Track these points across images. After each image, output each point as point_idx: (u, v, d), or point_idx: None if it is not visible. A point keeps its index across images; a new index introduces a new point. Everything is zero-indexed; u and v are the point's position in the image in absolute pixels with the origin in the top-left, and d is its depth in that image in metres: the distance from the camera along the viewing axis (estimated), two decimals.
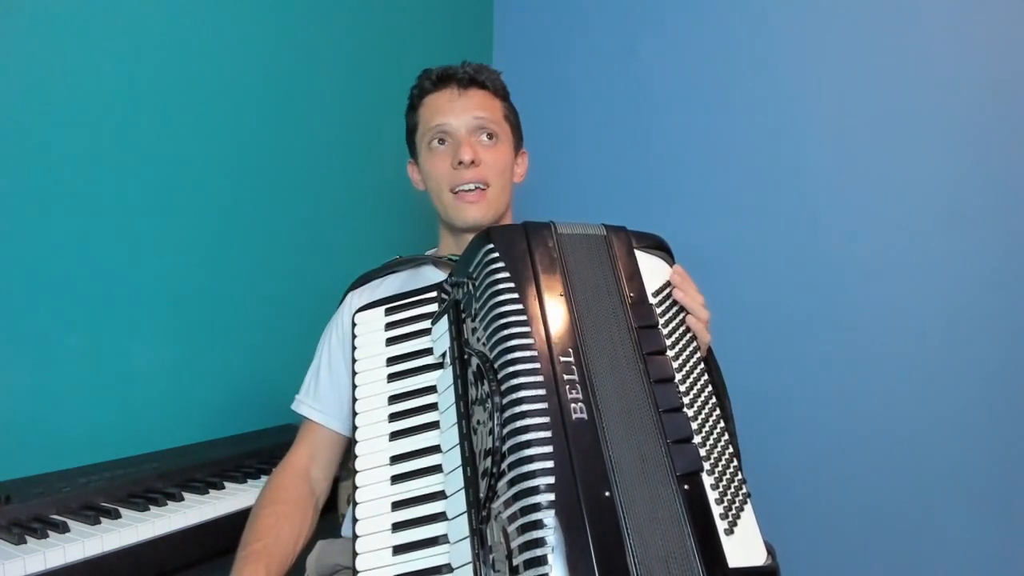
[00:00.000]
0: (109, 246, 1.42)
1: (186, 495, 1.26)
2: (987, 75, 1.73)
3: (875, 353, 1.83)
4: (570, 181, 2.22)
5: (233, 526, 1.26)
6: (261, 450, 1.47)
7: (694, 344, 1.04)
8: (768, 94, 1.96)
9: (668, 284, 1.07)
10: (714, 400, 1.00)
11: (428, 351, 1.04)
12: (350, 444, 1.15)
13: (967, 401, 1.74)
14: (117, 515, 1.15)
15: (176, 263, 1.53)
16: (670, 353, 0.99)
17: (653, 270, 1.07)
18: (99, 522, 1.13)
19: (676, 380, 0.96)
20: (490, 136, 1.31)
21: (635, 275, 1.03)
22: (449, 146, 1.30)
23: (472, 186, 1.28)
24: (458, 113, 1.30)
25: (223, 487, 1.31)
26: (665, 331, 1.00)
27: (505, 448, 0.83)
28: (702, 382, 1.00)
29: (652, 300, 1.02)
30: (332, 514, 1.35)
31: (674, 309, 1.05)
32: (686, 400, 0.95)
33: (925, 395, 1.78)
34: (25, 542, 1.05)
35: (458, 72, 1.33)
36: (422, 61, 1.39)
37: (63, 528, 1.09)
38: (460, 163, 1.27)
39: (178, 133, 1.53)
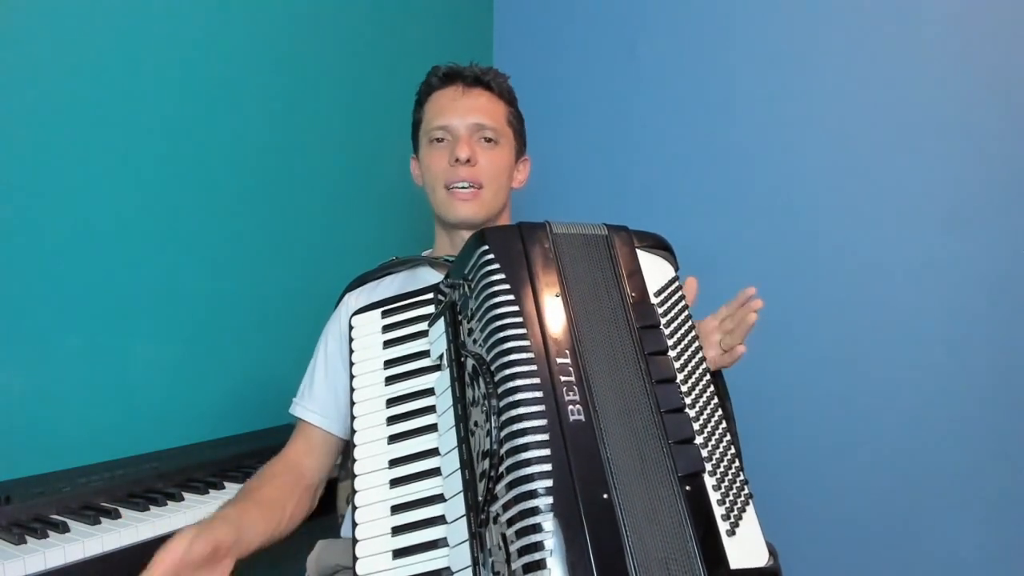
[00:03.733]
0: (109, 246, 1.42)
1: (186, 495, 1.26)
2: (988, 75, 1.73)
3: (875, 354, 1.83)
4: (569, 181, 2.21)
5: None
6: (261, 450, 1.45)
7: (696, 344, 1.03)
8: (768, 94, 1.96)
9: (671, 283, 1.07)
10: (716, 401, 0.99)
11: (425, 353, 1.04)
12: (347, 444, 1.15)
13: (968, 403, 1.74)
14: (117, 515, 1.15)
15: (176, 263, 1.53)
16: (672, 353, 0.98)
17: (655, 270, 1.06)
18: (99, 522, 1.13)
19: (678, 380, 0.96)
20: (489, 140, 1.31)
21: (637, 275, 1.02)
22: (448, 144, 1.30)
23: (466, 184, 1.28)
24: (460, 113, 1.30)
25: (223, 487, 1.31)
26: (667, 331, 1.00)
27: (503, 451, 0.83)
28: (704, 382, 1.00)
29: (654, 300, 1.02)
30: (332, 514, 1.35)
31: (676, 309, 1.04)
32: (688, 400, 0.95)
33: (926, 396, 1.78)
34: (25, 542, 1.05)
35: (465, 71, 1.33)
36: (422, 61, 1.38)
37: (63, 528, 1.09)
38: (456, 160, 1.27)
39: (178, 133, 1.53)
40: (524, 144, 1.41)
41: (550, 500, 0.79)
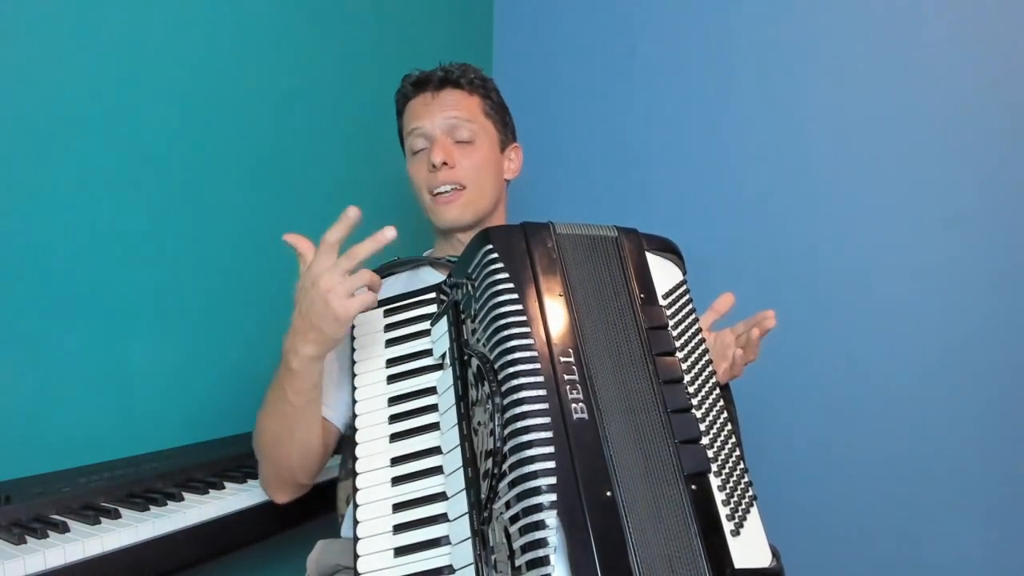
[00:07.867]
0: (109, 246, 1.41)
1: (186, 495, 1.25)
2: (988, 76, 1.73)
3: (876, 355, 1.83)
4: (568, 181, 2.21)
5: (233, 526, 1.26)
6: None
7: (703, 348, 1.04)
8: (768, 94, 1.96)
9: (679, 287, 1.07)
10: (722, 403, 1.00)
11: (428, 352, 1.04)
12: (347, 444, 1.14)
13: (969, 403, 1.74)
14: (117, 515, 1.14)
15: (176, 263, 1.52)
16: (680, 355, 0.98)
17: (663, 273, 1.07)
18: (99, 522, 1.12)
19: (685, 381, 0.96)
20: (465, 140, 1.29)
21: (645, 277, 1.03)
22: (426, 152, 1.30)
23: (448, 187, 1.28)
24: (432, 115, 1.29)
25: (223, 487, 1.31)
26: (675, 333, 1.00)
27: (506, 449, 0.83)
28: (710, 384, 1.01)
29: (662, 302, 1.02)
30: (332, 514, 1.35)
31: (684, 312, 1.05)
32: (695, 402, 0.95)
33: (927, 396, 1.78)
34: (25, 542, 1.04)
35: (432, 75, 1.32)
36: (422, 62, 1.38)
37: (63, 528, 1.08)
38: (433, 166, 1.27)
39: (178, 132, 1.52)
40: (511, 132, 1.39)
41: (553, 497, 0.80)
